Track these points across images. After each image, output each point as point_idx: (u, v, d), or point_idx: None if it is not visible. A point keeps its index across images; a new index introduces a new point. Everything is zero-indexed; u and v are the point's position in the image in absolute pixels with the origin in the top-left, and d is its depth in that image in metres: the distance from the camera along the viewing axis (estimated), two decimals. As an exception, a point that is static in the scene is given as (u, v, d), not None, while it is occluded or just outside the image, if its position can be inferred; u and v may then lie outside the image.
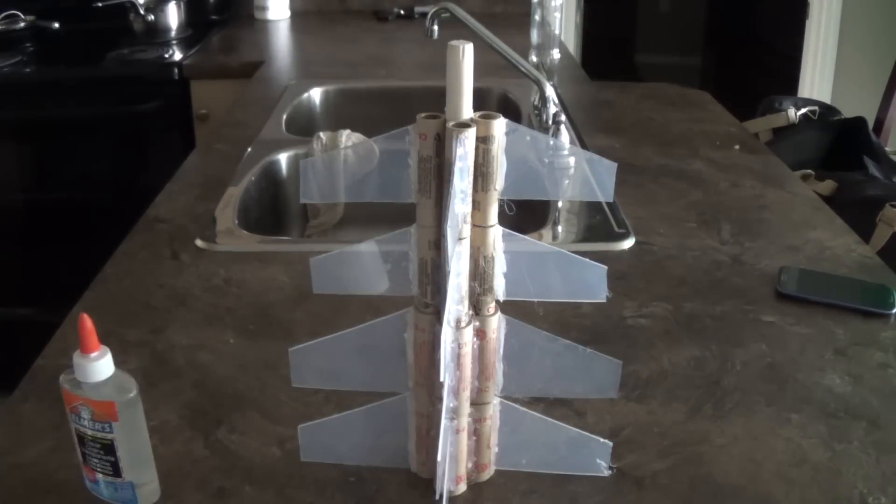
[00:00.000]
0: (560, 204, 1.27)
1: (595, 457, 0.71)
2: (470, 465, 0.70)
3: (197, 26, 2.54)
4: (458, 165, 0.57)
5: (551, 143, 1.16)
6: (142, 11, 2.41)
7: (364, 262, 0.66)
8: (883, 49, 2.99)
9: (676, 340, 0.92)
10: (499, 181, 0.60)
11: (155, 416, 0.77)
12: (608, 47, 4.50)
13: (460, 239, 0.60)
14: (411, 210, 0.62)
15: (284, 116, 1.72)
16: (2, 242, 2.26)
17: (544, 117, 1.40)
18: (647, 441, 0.76)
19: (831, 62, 3.19)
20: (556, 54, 1.63)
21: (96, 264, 1.09)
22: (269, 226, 1.43)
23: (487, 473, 0.72)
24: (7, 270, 2.26)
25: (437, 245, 0.61)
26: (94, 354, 0.64)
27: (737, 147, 1.54)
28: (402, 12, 2.74)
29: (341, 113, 1.94)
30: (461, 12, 1.42)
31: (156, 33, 2.43)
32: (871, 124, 2.09)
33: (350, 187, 0.65)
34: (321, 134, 1.51)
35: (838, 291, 1.01)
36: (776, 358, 0.89)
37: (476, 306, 0.64)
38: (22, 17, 2.44)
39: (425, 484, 0.71)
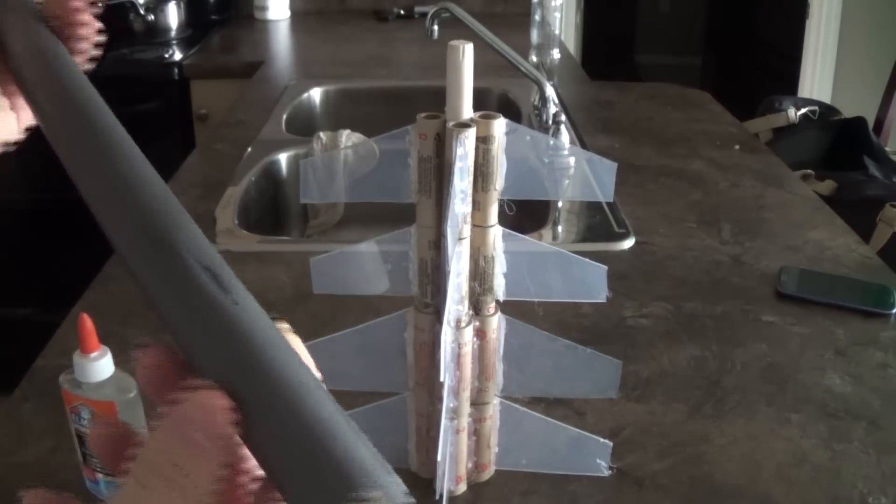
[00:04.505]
0: (560, 204, 1.27)
1: (595, 457, 0.71)
2: (470, 465, 0.70)
3: (197, 26, 2.53)
4: (458, 165, 0.57)
5: (551, 143, 1.16)
6: (142, 11, 2.41)
7: (364, 262, 0.66)
8: (883, 49, 2.99)
9: (676, 340, 0.92)
10: (499, 181, 0.60)
11: (155, 416, 0.77)
12: (608, 47, 4.51)
13: (460, 239, 0.60)
14: (411, 210, 0.62)
15: (284, 116, 1.72)
16: (2, 242, 2.26)
17: (544, 117, 1.40)
18: (647, 441, 0.76)
19: (831, 62, 3.18)
20: (556, 54, 1.64)
21: (96, 264, 1.09)
22: (269, 226, 1.43)
23: (487, 473, 0.71)
24: (7, 270, 2.26)
25: (437, 245, 0.61)
26: (94, 354, 0.64)
27: (737, 147, 1.54)
28: (402, 12, 2.73)
29: (341, 113, 1.94)
30: (461, 12, 1.42)
31: (156, 33, 2.43)
32: (871, 124, 2.09)
33: (350, 187, 0.65)
34: (321, 134, 1.51)
35: (838, 291, 1.01)
36: (776, 358, 0.89)
37: (476, 306, 0.64)
38: (22, 17, 2.43)
39: (425, 484, 0.71)
